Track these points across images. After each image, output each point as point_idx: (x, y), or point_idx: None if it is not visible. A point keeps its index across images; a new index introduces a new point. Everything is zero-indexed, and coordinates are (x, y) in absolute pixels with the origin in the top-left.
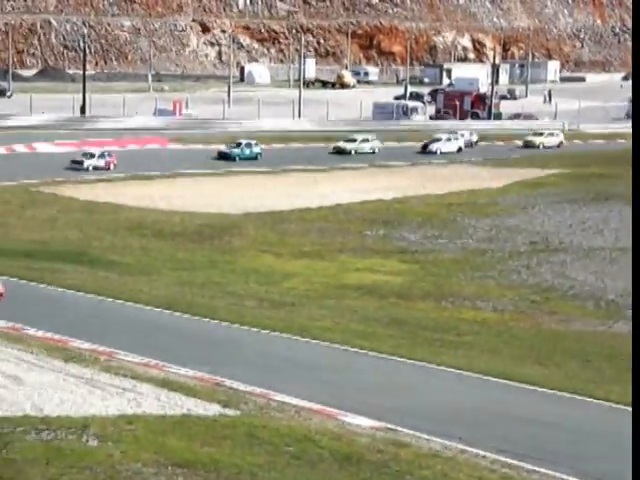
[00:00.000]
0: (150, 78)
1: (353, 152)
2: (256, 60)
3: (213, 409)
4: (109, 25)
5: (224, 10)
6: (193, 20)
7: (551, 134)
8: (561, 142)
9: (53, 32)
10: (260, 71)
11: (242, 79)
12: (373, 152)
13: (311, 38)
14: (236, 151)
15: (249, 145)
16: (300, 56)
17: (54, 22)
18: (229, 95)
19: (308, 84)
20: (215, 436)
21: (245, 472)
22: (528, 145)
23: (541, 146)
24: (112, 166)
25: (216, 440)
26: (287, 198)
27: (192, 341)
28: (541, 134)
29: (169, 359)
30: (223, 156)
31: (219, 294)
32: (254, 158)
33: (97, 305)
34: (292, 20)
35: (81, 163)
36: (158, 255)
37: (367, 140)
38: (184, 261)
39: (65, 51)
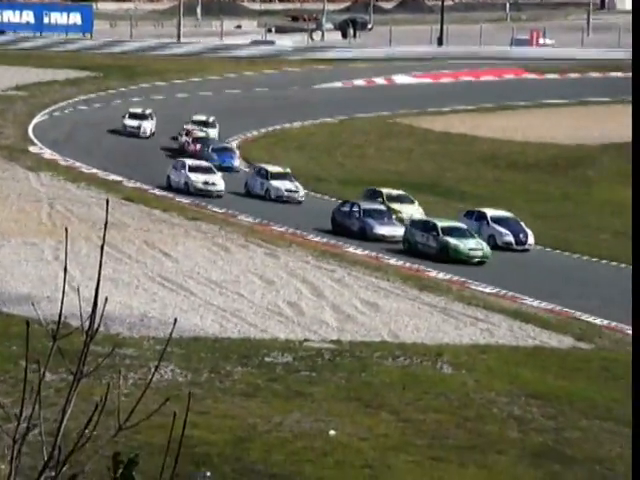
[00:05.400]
0: (508, 7)
1: None
2: None
3: (566, 342)
4: None
5: None
6: None
7: None
8: None
9: None
10: None
11: (602, 6)
12: None
13: None
14: None
15: None
16: None
17: None
18: (588, 23)
19: None
20: (568, 369)
21: (600, 406)
22: None
23: None
24: None
25: (569, 373)
26: None
27: (545, 273)
28: None
29: (520, 290)
30: None
31: (573, 226)
32: None
33: None
34: None
35: None
36: (511, 187)
37: None
38: (537, 193)
39: None
